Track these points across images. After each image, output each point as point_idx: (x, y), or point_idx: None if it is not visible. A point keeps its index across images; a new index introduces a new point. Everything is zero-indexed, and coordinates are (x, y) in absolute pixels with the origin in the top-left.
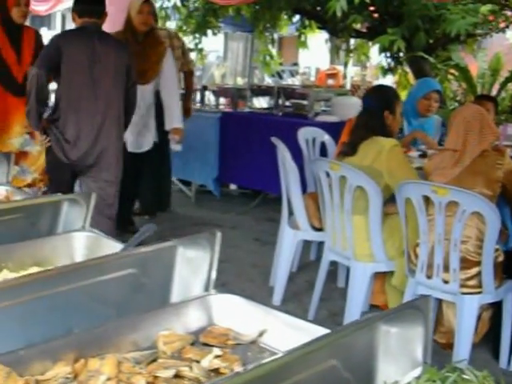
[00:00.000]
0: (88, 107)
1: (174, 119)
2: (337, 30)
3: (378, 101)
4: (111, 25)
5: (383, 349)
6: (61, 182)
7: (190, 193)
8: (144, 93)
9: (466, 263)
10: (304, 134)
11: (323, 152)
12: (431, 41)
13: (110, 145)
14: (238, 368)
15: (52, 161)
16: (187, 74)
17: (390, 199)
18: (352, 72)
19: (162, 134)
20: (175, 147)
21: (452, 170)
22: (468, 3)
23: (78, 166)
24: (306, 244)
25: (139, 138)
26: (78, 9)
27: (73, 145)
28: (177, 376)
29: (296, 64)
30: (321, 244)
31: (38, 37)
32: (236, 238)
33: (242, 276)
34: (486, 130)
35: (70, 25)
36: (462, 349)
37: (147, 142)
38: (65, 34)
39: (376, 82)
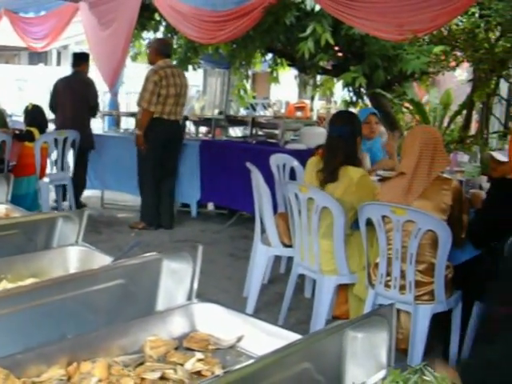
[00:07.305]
0: None
1: None
2: (305, 67)
3: (351, 128)
4: None
5: (351, 353)
6: None
7: None
8: None
9: (419, 285)
10: (275, 160)
11: (292, 176)
12: (389, 77)
13: None
14: (218, 371)
15: None
16: None
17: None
18: (318, 105)
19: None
20: None
21: (405, 198)
22: (422, 44)
23: None
24: (277, 259)
25: None
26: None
27: None
28: (162, 378)
29: (268, 98)
30: (290, 259)
31: None
32: (213, 253)
33: (218, 287)
34: (438, 156)
35: (65, 61)
36: (416, 353)
37: None
38: None
39: None
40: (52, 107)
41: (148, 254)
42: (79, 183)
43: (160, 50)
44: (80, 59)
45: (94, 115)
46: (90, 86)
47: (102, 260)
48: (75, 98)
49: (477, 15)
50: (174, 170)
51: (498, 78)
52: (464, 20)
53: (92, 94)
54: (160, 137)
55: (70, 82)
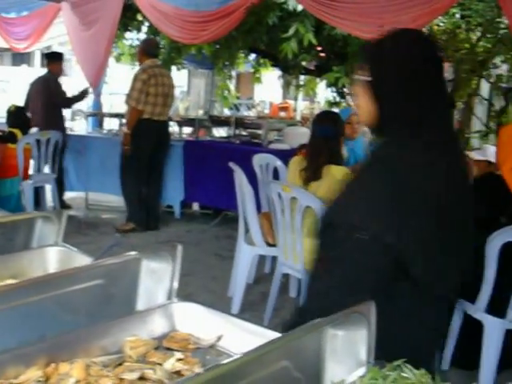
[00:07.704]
0: None
1: None
2: (288, 67)
3: (335, 128)
4: None
5: (330, 350)
6: None
7: None
8: None
9: None
10: (258, 160)
11: (276, 176)
12: None
13: None
14: (198, 370)
15: None
16: None
17: None
18: (302, 106)
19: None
20: None
21: None
22: None
23: None
24: (261, 258)
25: None
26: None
27: None
28: (142, 378)
29: (251, 98)
30: (274, 258)
31: None
32: (198, 253)
33: (203, 288)
34: None
35: None
36: None
37: None
38: None
39: None
40: (27, 107)
41: (127, 254)
42: (59, 183)
43: (146, 50)
44: (50, 58)
45: (63, 107)
46: (55, 84)
47: (83, 261)
48: (44, 97)
49: (458, 16)
50: (161, 171)
51: (479, 78)
52: (445, 20)
53: (54, 92)
54: (151, 138)
55: (40, 82)
